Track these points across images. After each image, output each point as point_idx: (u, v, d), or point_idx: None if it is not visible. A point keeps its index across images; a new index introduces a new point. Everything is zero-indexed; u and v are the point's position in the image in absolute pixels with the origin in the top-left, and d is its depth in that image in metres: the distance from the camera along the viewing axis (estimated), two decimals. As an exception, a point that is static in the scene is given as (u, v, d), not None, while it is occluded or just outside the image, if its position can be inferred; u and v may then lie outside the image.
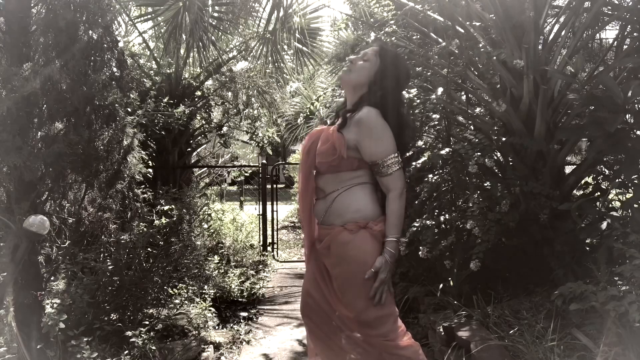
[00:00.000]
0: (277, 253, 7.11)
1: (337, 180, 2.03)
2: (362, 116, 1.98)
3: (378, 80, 2.07)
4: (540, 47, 3.25)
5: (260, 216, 7.02)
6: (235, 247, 6.34)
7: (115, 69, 3.20)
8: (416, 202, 3.30)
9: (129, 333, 2.99)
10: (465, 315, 2.89)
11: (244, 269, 5.57)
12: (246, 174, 9.45)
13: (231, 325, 4.14)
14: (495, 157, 3.38)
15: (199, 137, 6.74)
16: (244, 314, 4.50)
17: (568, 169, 3.49)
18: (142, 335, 2.99)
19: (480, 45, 3.21)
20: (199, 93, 6.28)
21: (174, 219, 3.97)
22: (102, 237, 3.32)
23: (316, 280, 2.14)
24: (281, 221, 9.59)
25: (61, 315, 2.69)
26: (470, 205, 3.03)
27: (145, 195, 3.74)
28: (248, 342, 3.82)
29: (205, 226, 5.23)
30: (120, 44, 3.94)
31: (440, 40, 3.52)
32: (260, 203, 7.04)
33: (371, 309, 1.95)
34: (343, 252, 1.97)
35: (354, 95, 2.11)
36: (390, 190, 1.97)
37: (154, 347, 2.99)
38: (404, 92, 2.40)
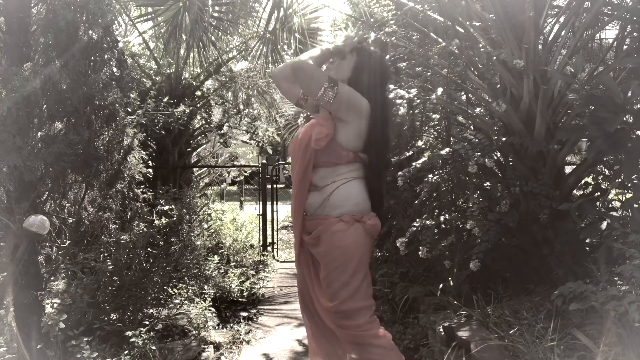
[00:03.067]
0: (277, 253, 7.11)
1: (334, 174, 2.06)
2: None
3: (356, 75, 2.13)
4: (540, 47, 3.24)
5: (260, 216, 7.02)
6: (235, 247, 6.33)
7: (115, 69, 3.20)
8: (416, 202, 3.30)
9: (129, 333, 2.99)
10: (465, 315, 2.89)
11: (244, 269, 5.57)
12: (246, 174, 9.43)
13: (231, 325, 4.13)
14: (495, 157, 3.38)
15: (199, 137, 6.73)
16: (244, 314, 4.50)
17: (568, 169, 3.48)
18: (142, 335, 2.99)
19: (480, 45, 3.21)
20: (199, 93, 6.27)
21: (174, 219, 3.97)
22: (102, 237, 3.32)
23: (305, 279, 2.18)
24: (281, 221, 9.57)
25: (61, 315, 2.69)
26: (470, 205, 3.02)
27: (145, 195, 3.74)
28: (248, 342, 3.82)
29: (205, 226, 5.22)
30: (120, 44, 3.93)
31: (440, 40, 3.53)
32: (260, 203, 7.04)
33: (352, 300, 1.99)
34: (336, 241, 1.99)
35: None
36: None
37: (154, 347, 2.99)
38: (388, 91, 2.43)
